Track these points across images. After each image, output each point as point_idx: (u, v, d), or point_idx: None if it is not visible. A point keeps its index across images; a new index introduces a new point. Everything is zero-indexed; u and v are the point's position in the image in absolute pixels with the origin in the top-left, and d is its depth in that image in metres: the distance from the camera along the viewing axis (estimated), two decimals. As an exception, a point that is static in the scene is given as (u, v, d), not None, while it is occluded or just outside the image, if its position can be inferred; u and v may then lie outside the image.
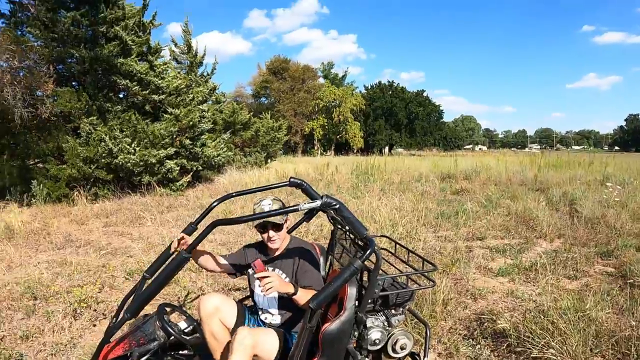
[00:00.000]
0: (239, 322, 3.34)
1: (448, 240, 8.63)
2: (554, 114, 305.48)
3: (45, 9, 14.53)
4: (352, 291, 2.77)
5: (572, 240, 8.41)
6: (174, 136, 16.39)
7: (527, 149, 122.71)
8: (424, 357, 2.94)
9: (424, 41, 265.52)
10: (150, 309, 3.61)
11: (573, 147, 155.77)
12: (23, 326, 5.00)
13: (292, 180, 3.27)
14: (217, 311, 3.22)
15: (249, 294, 3.76)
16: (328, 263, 3.66)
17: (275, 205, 3.37)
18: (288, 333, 3.32)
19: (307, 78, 73.57)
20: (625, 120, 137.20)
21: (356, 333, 2.82)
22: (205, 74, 22.91)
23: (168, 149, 15.72)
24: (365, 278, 2.98)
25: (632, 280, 6.01)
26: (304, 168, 22.97)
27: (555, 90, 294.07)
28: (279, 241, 3.45)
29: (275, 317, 3.44)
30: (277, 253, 3.54)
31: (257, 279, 2.98)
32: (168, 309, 3.26)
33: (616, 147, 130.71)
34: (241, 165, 22.41)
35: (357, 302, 2.80)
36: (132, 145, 14.62)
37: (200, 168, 18.29)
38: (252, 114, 26.80)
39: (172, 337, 3.07)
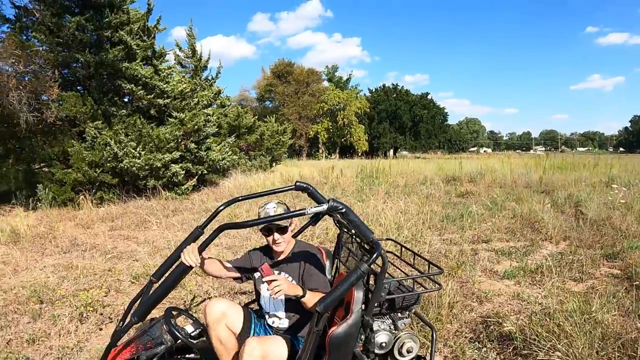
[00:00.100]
0: (246, 327, 3.33)
1: (453, 243, 8.62)
2: (558, 115, 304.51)
3: (50, 14, 14.62)
4: (358, 294, 2.78)
5: (578, 242, 8.38)
6: (179, 140, 16.44)
7: (531, 151, 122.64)
8: (430, 360, 2.94)
9: (428, 44, 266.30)
10: (156, 312, 3.62)
11: (578, 148, 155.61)
12: (29, 330, 5.01)
13: (298, 184, 3.26)
14: (223, 317, 3.22)
15: (254, 297, 3.76)
16: (334, 267, 3.66)
17: (280, 208, 3.38)
18: (295, 338, 3.31)
19: (311, 81, 73.54)
20: (630, 121, 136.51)
21: (363, 336, 2.82)
22: (209, 77, 22.92)
23: (173, 152, 15.76)
24: (371, 281, 2.98)
25: (638, 282, 5.97)
26: (308, 171, 22.94)
27: (559, 91, 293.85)
28: (284, 244, 3.46)
29: (282, 320, 3.44)
30: (283, 256, 3.54)
31: (266, 282, 2.98)
32: (175, 313, 3.26)
33: (621, 149, 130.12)
34: (246, 168, 22.39)
35: (363, 305, 2.80)
36: (137, 149, 14.67)
37: (206, 172, 18.32)
38: (256, 117, 26.78)
39: (179, 341, 3.08)
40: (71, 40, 15.06)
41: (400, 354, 2.86)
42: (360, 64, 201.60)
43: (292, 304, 3.31)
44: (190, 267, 3.01)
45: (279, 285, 2.88)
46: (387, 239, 4.05)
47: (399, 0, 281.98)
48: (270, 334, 3.45)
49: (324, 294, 2.69)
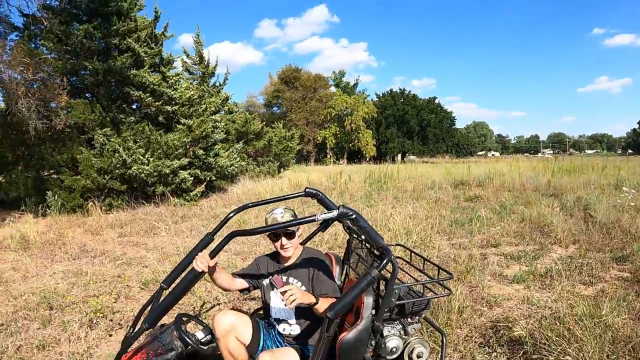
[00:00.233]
0: (255, 338, 3.33)
1: (462, 247, 8.60)
2: (566, 118, 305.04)
3: (59, 22, 14.73)
4: (368, 300, 2.78)
5: (587, 245, 8.35)
6: (187, 146, 16.50)
7: (540, 154, 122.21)
8: (441, 365, 2.94)
9: (435, 48, 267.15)
10: (166, 319, 3.63)
11: (586, 151, 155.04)
12: (39, 336, 5.03)
13: (307, 190, 3.27)
14: (232, 328, 3.21)
15: (262, 304, 3.77)
16: (344, 272, 3.66)
17: (287, 214, 3.41)
18: (305, 347, 3.33)
19: (318, 87, 73.61)
20: (638, 122, 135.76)
21: (373, 342, 2.82)
22: (217, 84, 22.96)
23: (181, 159, 15.81)
24: (381, 287, 2.99)
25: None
26: (317, 177, 22.95)
27: (567, 94, 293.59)
28: (291, 249, 3.47)
29: (293, 327, 3.45)
30: (290, 262, 3.56)
31: (281, 293, 2.98)
32: (185, 319, 3.27)
33: (629, 151, 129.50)
34: (254, 174, 22.41)
35: (373, 310, 2.81)
36: (146, 156, 14.72)
37: (214, 178, 18.35)
38: (264, 123, 26.82)
39: (190, 347, 3.09)
40: (79, 48, 15.17)
41: (411, 359, 2.86)
42: (367, 69, 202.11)
43: (302, 311, 3.32)
44: (201, 274, 3.03)
45: (294, 295, 2.88)
46: (397, 245, 4.05)
47: (406, 4, 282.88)
48: (280, 343, 3.47)
49: (333, 300, 2.69)
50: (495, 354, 4.37)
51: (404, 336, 2.90)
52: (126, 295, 6.38)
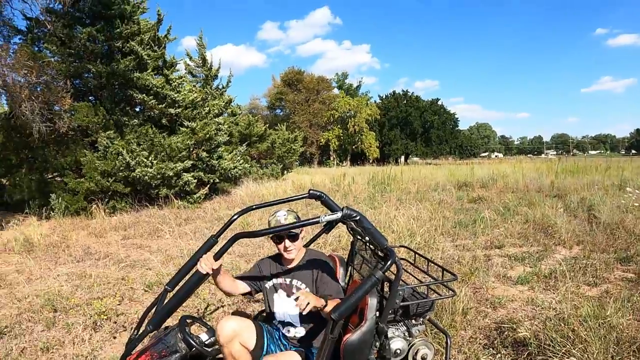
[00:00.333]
0: (259, 342, 3.32)
1: (466, 249, 8.59)
2: (570, 118, 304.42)
3: (62, 25, 14.76)
4: (372, 302, 2.78)
5: (591, 246, 8.33)
6: (191, 149, 16.51)
7: (543, 155, 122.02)
8: (445, 366, 2.93)
9: (438, 49, 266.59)
10: (171, 321, 3.63)
11: (590, 152, 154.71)
12: (43, 338, 5.04)
13: (311, 192, 3.27)
14: (236, 335, 3.19)
15: (264, 306, 3.76)
16: (348, 274, 3.66)
17: (290, 216, 3.40)
18: (309, 350, 3.34)
19: (321, 89, 73.56)
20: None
21: (377, 343, 2.82)
22: (220, 86, 23.05)
23: (185, 161, 15.83)
24: (385, 288, 2.98)
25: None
26: (320, 179, 22.97)
27: (570, 94, 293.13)
28: (295, 251, 3.47)
29: (298, 329, 3.45)
30: (293, 264, 3.56)
31: (294, 299, 2.97)
32: (189, 321, 3.27)
33: (633, 151, 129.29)
34: (258, 177, 22.45)
35: (377, 312, 2.80)
36: (149, 159, 14.73)
37: (217, 180, 18.38)
38: (267, 125, 26.88)
39: (194, 349, 3.09)
40: (82, 51, 15.21)
41: (415, 360, 2.86)
42: (370, 71, 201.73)
43: (307, 313, 3.31)
44: (205, 276, 3.03)
45: (306, 299, 2.87)
46: (401, 246, 4.05)
47: (409, 6, 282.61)
48: (285, 346, 3.47)
49: (338, 301, 2.69)
50: (499, 355, 4.36)
51: (408, 338, 2.90)
52: (130, 298, 6.39)
